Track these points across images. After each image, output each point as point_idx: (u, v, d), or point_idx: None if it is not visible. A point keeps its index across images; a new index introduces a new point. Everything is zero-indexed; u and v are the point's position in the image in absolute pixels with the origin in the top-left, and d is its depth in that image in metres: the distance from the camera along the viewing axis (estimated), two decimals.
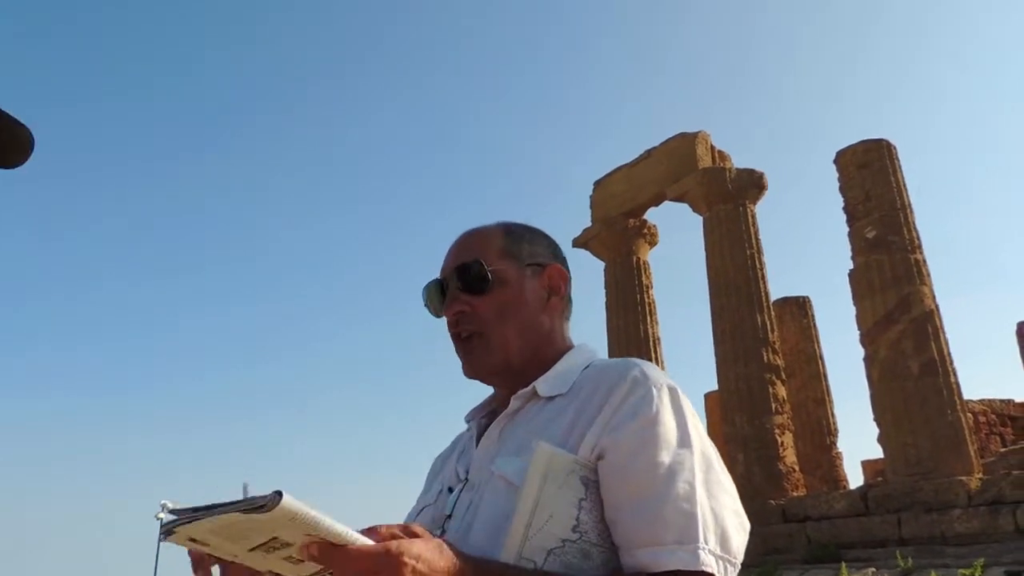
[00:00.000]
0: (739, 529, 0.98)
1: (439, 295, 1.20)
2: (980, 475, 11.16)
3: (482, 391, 1.27)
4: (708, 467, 0.98)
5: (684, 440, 0.98)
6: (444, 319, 1.20)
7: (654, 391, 1.01)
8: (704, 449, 1.00)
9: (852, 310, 12.69)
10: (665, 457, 0.95)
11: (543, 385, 1.12)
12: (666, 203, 16.62)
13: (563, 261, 1.27)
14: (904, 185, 12.74)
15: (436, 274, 1.22)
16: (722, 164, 15.92)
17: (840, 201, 13.18)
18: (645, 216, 17.29)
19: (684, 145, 16.07)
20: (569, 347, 1.22)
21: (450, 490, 1.12)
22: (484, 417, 1.23)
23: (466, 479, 1.10)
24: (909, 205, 12.64)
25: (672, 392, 1.02)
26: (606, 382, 1.04)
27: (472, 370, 1.17)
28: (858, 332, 12.53)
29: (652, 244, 17.50)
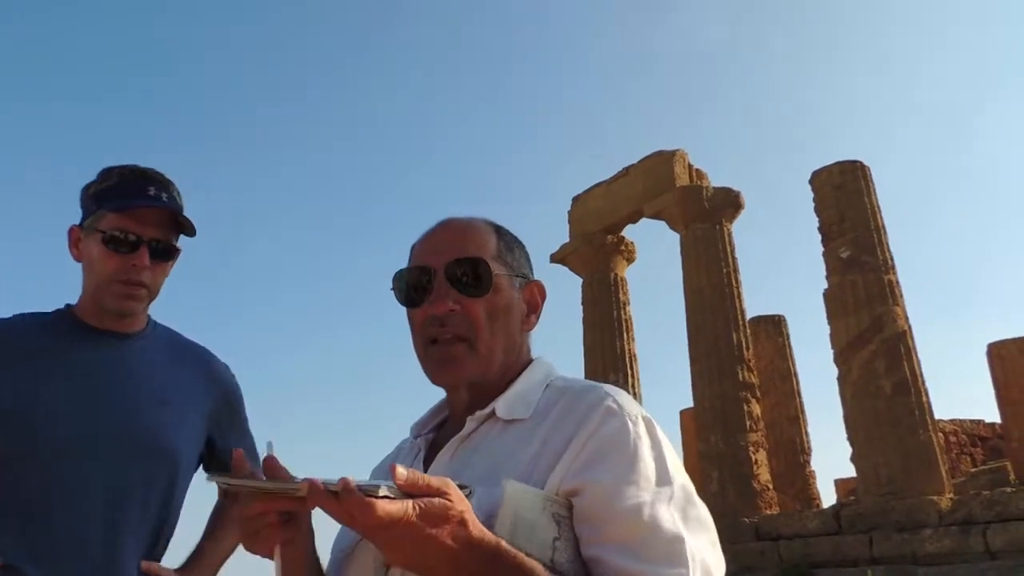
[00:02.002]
0: (719, 565, 0.95)
1: (423, 285, 1.08)
2: (951, 495, 11.24)
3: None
4: (688, 503, 0.95)
5: (664, 477, 0.94)
6: (409, 313, 1.10)
7: (630, 424, 0.96)
8: (684, 484, 0.96)
9: (827, 329, 12.79)
10: (647, 495, 0.91)
11: (503, 406, 1.04)
12: (644, 220, 16.69)
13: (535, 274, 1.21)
14: (878, 206, 12.88)
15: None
16: (699, 182, 16.03)
17: (815, 221, 13.30)
18: (623, 233, 17.34)
19: (662, 163, 16.16)
20: (528, 362, 1.15)
21: None
22: (431, 431, 1.16)
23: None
24: (883, 226, 12.78)
25: (648, 424, 0.98)
26: (576, 411, 0.98)
27: (449, 377, 1.08)
28: (832, 351, 12.62)
29: (630, 261, 17.55)
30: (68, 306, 1.66)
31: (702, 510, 0.97)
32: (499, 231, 1.15)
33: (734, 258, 15.19)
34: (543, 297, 1.18)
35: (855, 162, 13.10)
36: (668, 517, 0.90)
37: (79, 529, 1.46)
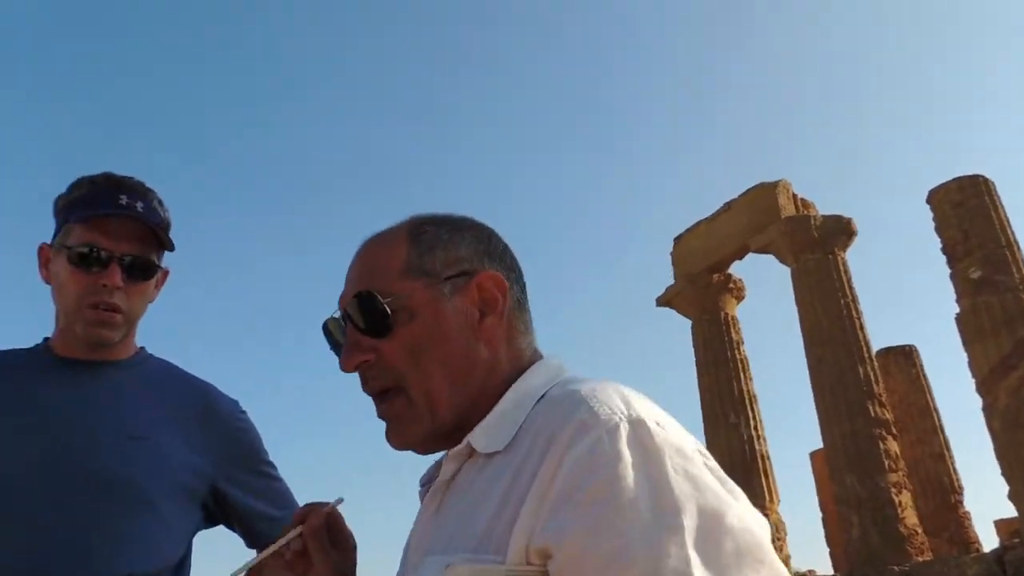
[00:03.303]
0: None
1: (340, 338, 0.92)
2: None
3: None
4: (719, 531, 0.67)
5: (666, 501, 0.67)
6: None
7: (604, 438, 0.70)
8: (709, 506, 0.68)
9: (963, 357, 11.85)
10: (638, 546, 0.64)
11: (479, 437, 0.83)
12: (751, 256, 16.16)
13: (500, 259, 0.95)
14: (1007, 221, 11.94)
15: None
16: (806, 212, 15.41)
17: (937, 242, 12.48)
18: (730, 270, 16.84)
19: (764, 195, 15.66)
20: (521, 372, 0.90)
21: None
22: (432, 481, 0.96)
23: None
24: (1015, 242, 11.81)
25: (634, 428, 0.71)
26: (545, 432, 0.75)
27: (398, 442, 0.89)
28: (972, 380, 11.65)
29: (739, 299, 16.98)
30: (46, 339, 1.47)
31: (748, 536, 0.68)
32: (415, 231, 0.92)
33: (851, 287, 14.40)
34: (500, 287, 0.91)
35: (976, 176, 12.24)
36: (676, 561, 0.64)
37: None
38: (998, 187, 12.22)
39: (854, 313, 14.07)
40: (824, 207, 15.70)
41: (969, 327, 11.61)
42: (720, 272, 16.72)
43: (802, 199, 15.81)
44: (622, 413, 0.72)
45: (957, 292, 11.99)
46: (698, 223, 17.23)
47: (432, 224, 0.94)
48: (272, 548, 0.99)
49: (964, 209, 12.03)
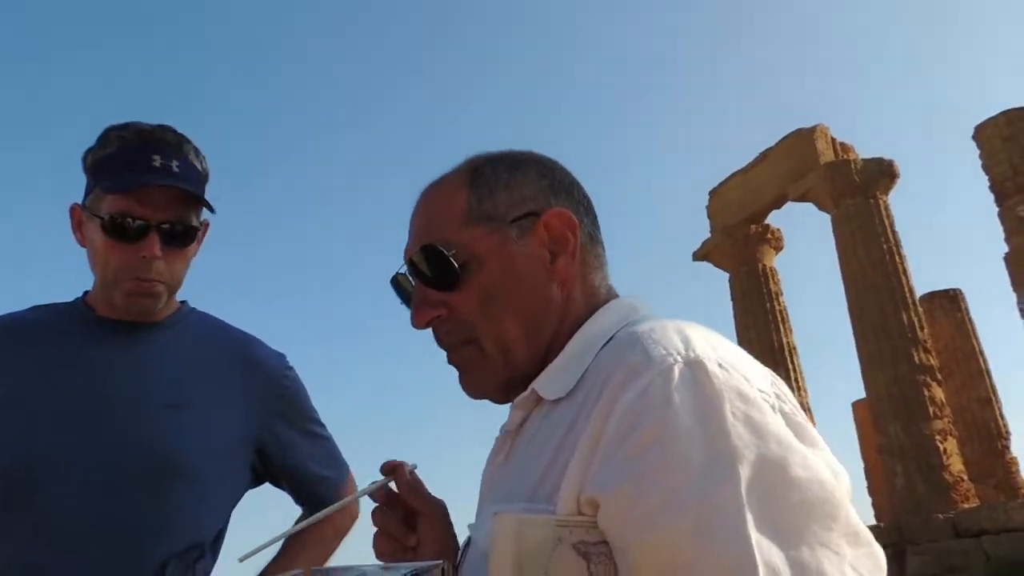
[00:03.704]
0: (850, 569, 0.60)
1: (409, 293, 0.90)
2: None
3: None
4: (783, 484, 0.60)
5: (715, 453, 0.61)
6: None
7: (657, 381, 0.65)
8: (763, 453, 0.61)
9: (1012, 299, 11.48)
10: (687, 499, 0.59)
11: (544, 383, 0.80)
12: (789, 205, 15.79)
13: (568, 193, 0.90)
14: None
15: None
16: (846, 156, 14.99)
17: (985, 180, 12.05)
18: (767, 221, 16.49)
19: (802, 142, 15.25)
20: (596, 308, 0.86)
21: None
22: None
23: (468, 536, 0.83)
24: None
25: (692, 369, 0.65)
26: (604, 376, 0.71)
27: (473, 389, 0.87)
28: (1022, 321, 11.31)
29: (778, 249, 16.64)
30: (85, 294, 1.41)
31: (817, 488, 0.61)
32: (473, 174, 0.88)
33: (894, 232, 14.01)
34: (570, 225, 0.86)
35: None
36: (731, 516, 0.58)
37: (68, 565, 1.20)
38: None
39: (897, 258, 13.71)
40: (865, 150, 15.25)
41: (1019, 266, 11.25)
42: (757, 223, 16.40)
43: (841, 143, 15.37)
44: (679, 353, 0.67)
45: (1006, 231, 11.60)
46: (734, 174, 16.87)
47: (491, 164, 0.89)
48: (354, 497, 0.95)
49: (1014, 143, 11.59)
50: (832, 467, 0.65)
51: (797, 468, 0.61)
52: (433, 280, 0.84)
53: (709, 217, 17.35)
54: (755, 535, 0.57)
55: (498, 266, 0.83)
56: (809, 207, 15.28)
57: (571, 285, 0.86)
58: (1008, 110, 11.87)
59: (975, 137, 12.26)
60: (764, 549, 0.57)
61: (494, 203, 0.86)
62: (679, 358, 0.66)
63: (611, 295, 0.90)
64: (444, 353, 0.88)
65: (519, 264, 0.84)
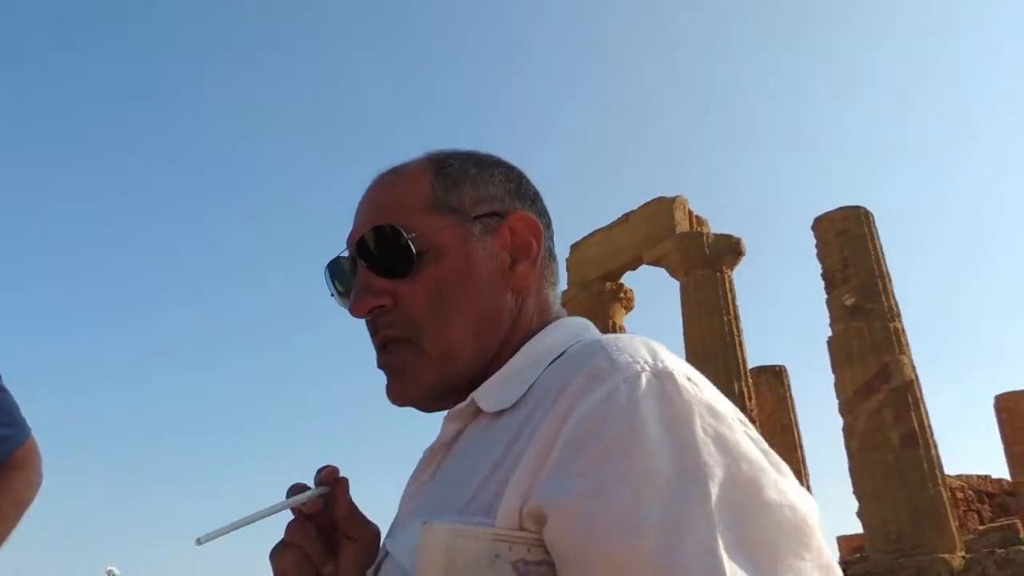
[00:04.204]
0: None
1: (349, 278, 0.81)
2: (963, 553, 10.83)
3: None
4: (740, 508, 0.54)
5: (685, 468, 0.55)
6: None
7: (622, 387, 0.58)
8: (734, 472, 0.55)
9: (830, 380, 12.51)
10: (652, 512, 0.53)
11: (485, 394, 0.72)
12: (644, 267, 16.53)
13: (532, 201, 0.84)
14: (882, 253, 12.77)
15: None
16: (699, 229, 15.94)
17: (818, 267, 13.15)
18: (622, 280, 17.17)
19: (662, 209, 16.08)
20: (547, 324, 0.80)
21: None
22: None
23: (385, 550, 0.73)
24: (887, 273, 12.65)
25: (659, 379, 0.59)
26: (556, 384, 0.64)
27: (399, 395, 0.78)
28: (837, 401, 12.32)
29: (628, 309, 17.34)
30: None
31: (790, 513, 0.56)
32: (440, 165, 0.81)
33: (735, 306, 14.98)
34: (534, 231, 0.80)
35: (858, 208, 13.02)
36: (700, 535, 0.52)
37: None
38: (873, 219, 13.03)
39: (735, 331, 14.64)
40: (718, 224, 16.28)
41: (839, 351, 12.29)
42: (613, 281, 17.02)
43: (697, 216, 16.34)
44: (646, 362, 0.61)
45: (831, 316, 12.67)
46: (596, 231, 17.48)
47: (457, 158, 0.83)
48: (286, 503, 0.74)
49: (846, 238, 12.76)
50: (802, 495, 0.59)
51: (770, 491, 0.56)
52: (383, 265, 0.77)
53: (568, 270, 17.82)
54: (726, 557, 0.52)
55: (456, 261, 0.77)
56: (662, 272, 16.07)
57: (526, 295, 0.80)
58: (844, 207, 13.09)
59: (813, 228, 13.40)
60: (735, 572, 0.51)
61: (459, 196, 0.79)
62: (647, 367, 0.60)
63: (561, 314, 0.83)
64: (372, 356, 0.80)
65: (478, 263, 0.77)
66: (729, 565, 0.51)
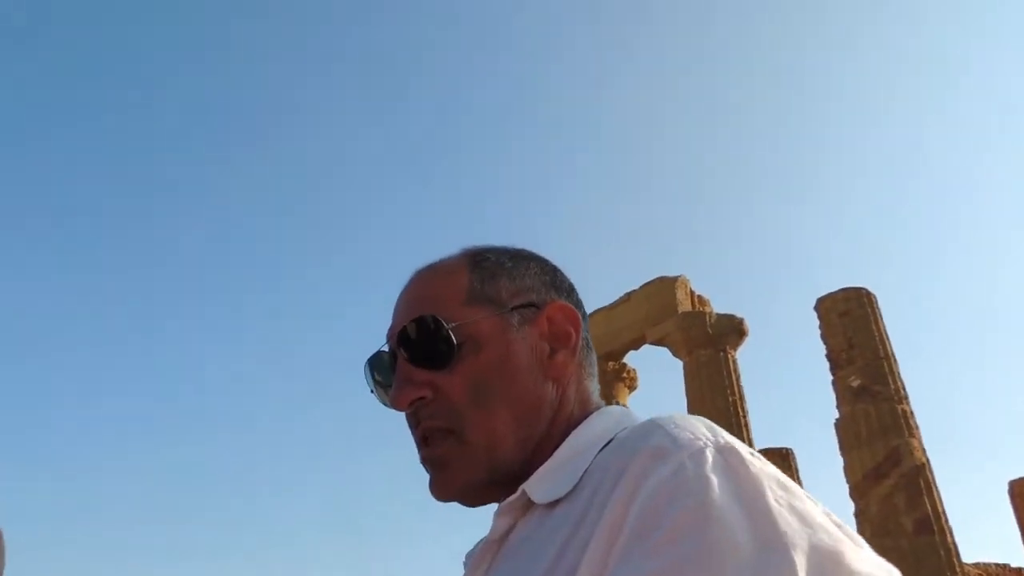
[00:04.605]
0: None
1: (390, 374, 0.81)
2: None
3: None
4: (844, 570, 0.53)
5: (765, 540, 0.53)
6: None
7: (687, 464, 0.57)
8: (815, 543, 0.54)
9: (839, 463, 12.25)
10: None
11: (537, 485, 0.71)
12: (646, 347, 16.45)
13: (568, 294, 0.86)
14: (886, 334, 12.71)
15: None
16: (702, 308, 15.94)
17: (822, 348, 13.07)
18: (625, 360, 17.06)
19: (664, 289, 16.12)
20: (585, 417, 0.79)
21: None
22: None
23: None
24: (893, 355, 12.55)
25: (723, 454, 0.59)
26: (615, 465, 0.63)
27: (443, 490, 0.78)
28: (846, 485, 12.02)
29: (632, 388, 17.18)
30: None
31: None
32: (476, 260, 0.84)
33: (740, 386, 14.83)
34: (572, 320, 0.82)
35: (860, 289, 13.03)
36: None
37: None
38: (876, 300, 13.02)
39: (740, 411, 14.44)
40: (718, 304, 16.27)
41: (847, 433, 12.08)
42: (616, 361, 16.91)
43: (699, 296, 16.36)
44: (707, 439, 0.61)
45: (837, 398, 12.50)
46: (598, 310, 17.48)
47: (492, 251, 0.86)
48: None
49: (849, 319, 12.72)
50: (882, 564, 0.58)
51: (852, 560, 0.54)
52: (424, 357, 0.78)
53: None
54: None
55: (496, 352, 0.78)
56: (664, 351, 15.98)
57: (566, 384, 0.81)
58: (846, 288, 13.10)
59: (816, 308, 13.38)
60: None
61: (496, 288, 0.82)
62: (709, 442, 0.60)
63: (602, 404, 0.84)
64: (414, 451, 0.80)
65: (517, 352, 0.79)
66: None
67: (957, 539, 11.27)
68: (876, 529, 11.27)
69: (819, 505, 0.60)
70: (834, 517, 0.59)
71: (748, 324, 15.58)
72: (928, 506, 11.12)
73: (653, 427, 0.64)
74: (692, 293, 16.33)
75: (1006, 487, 14.87)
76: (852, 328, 12.67)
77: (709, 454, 0.58)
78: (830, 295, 13.19)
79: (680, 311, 15.57)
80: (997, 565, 16.77)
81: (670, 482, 0.57)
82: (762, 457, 0.62)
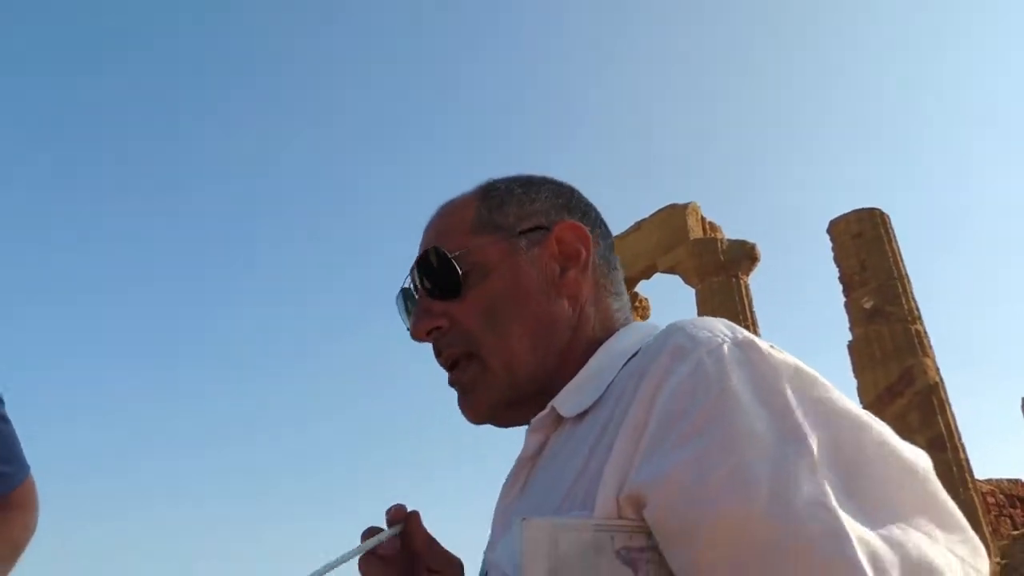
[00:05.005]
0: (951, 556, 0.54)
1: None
2: (998, 559, 10.54)
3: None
4: (848, 463, 0.55)
5: (783, 428, 0.55)
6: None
7: (706, 359, 0.59)
8: (835, 430, 0.56)
9: (852, 384, 12.28)
10: (760, 467, 0.53)
11: (565, 400, 0.74)
12: (658, 275, 16.38)
13: (583, 213, 0.86)
14: (900, 255, 12.56)
15: None
16: (713, 235, 15.79)
17: (835, 271, 12.95)
18: (636, 289, 17.02)
19: (674, 216, 15.95)
20: (612, 332, 0.81)
21: None
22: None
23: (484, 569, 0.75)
24: (906, 275, 12.43)
25: (742, 348, 0.60)
26: (637, 370, 0.64)
27: (474, 413, 0.82)
28: (859, 405, 12.11)
29: (644, 318, 17.18)
30: None
31: (896, 462, 0.57)
32: (486, 190, 0.86)
33: (752, 311, 14.80)
34: (582, 238, 0.82)
35: (873, 210, 12.82)
36: (811, 494, 0.52)
37: None
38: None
39: None
40: (730, 231, 16.10)
41: (860, 354, 12.07)
42: (628, 290, 16.88)
43: (710, 222, 16.19)
44: (725, 336, 0.62)
45: (851, 320, 12.45)
46: None
47: (504, 180, 0.88)
48: (362, 548, 0.79)
49: (862, 240, 12.56)
50: (906, 444, 0.60)
51: (874, 444, 0.57)
52: (436, 288, 0.81)
53: None
54: (839, 509, 0.52)
55: (504, 276, 0.80)
56: (676, 279, 15.91)
57: (583, 302, 0.82)
58: (859, 209, 12.90)
59: (829, 231, 13.21)
60: (850, 523, 0.51)
61: (504, 214, 0.84)
62: (727, 339, 0.61)
63: (630, 321, 0.85)
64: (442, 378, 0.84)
65: (526, 275, 0.80)
66: (844, 516, 0.51)
67: (970, 456, 11.38)
68: None
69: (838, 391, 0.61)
70: (855, 403, 0.61)
71: (760, 249, 15.45)
72: (941, 424, 11.18)
73: (673, 330, 0.64)
74: (703, 220, 16.15)
75: (1019, 403, 14.88)
76: (865, 250, 12.52)
77: (727, 348, 0.59)
78: (843, 217, 13.00)
79: (691, 238, 15.43)
80: (1009, 481, 16.98)
81: (690, 378, 0.58)
82: (783, 350, 0.62)
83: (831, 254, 13.15)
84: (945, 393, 11.60)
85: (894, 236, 12.72)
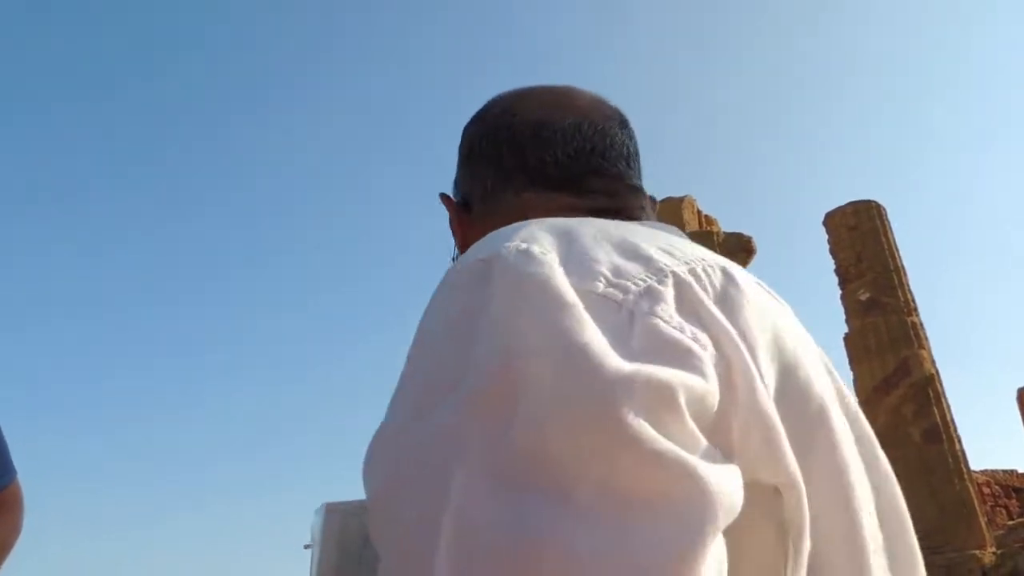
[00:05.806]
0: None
1: None
2: (993, 549, 10.58)
3: None
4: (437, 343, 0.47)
5: (422, 326, 0.49)
6: None
7: (450, 276, 0.51)
8: (449, 315, 0.48)
9: (849, 376, 12.30)
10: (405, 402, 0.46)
11: None
12: None
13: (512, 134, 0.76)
14: (896, 247, 12.56)
15: None
16: (709, 228, 15.77)
17: (831, 263, 12.96)
18: None
19: (670, 209, 15.92)
20: None
21: None
22: None
23: None
24: (902, 267, 12.44)
25: (502, 263, 0.47)
26: None
27: None
28: (855, 398, 12.12)
29: None
30: None
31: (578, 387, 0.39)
32: (467, 134, 0.82)
33: None
34: (454, 210, 0.80)
35: (869, 202, 12.82)
36: (398, 404, 0.46)
37: None
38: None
39: None
40: (726, 224, 16.10)
41: (856, 346, 12.08)
42: None
43: (706, 216, 16.18)
44: (498, 248, 0.49)
45: (847, 312, 12.46)
46: None
47: (474, 124, 0.84)
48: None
49: (858, 232, 12.57)
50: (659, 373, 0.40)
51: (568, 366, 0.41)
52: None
53: None
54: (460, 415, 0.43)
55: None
56: None
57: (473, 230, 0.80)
58: (855, 201, 12.90)
59: (824, 223, 13.22)
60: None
61: (464, 168, 0.85)
62: (496, 250, 0.50)
63: None
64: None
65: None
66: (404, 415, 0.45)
67: (966, 447, 11.41)
68: (884, 439, 11.12)
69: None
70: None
71: (756, 242, 15.44)
72: (937, 416, 11.20)
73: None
74: (699, 213, 16.14)
75: (1015, 395, 14.95)
76: (861, 242, 12.52)
77: (471, 268, 0.49)
78: (839, 209, 13.00)
79: (687, 231, 15.40)
80: (1005, 472, 17.06)
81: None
82: (548, 263, 0.46)
83: (827, 246, 13.16)
84: (941, 385, 11.62)
85: (890, 228, 12.73)
